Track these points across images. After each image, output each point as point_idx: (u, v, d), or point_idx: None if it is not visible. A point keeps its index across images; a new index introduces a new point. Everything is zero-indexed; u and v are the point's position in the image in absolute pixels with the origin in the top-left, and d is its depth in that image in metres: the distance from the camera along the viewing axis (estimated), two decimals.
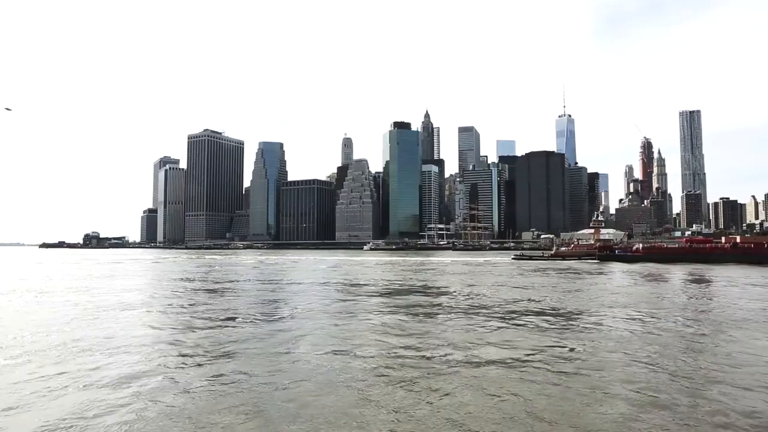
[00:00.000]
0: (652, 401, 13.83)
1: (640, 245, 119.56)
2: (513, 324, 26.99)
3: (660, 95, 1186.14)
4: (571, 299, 38.97)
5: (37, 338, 22.98)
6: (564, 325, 26.54)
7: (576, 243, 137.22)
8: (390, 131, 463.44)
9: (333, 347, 20.99)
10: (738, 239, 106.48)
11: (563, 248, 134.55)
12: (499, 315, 30.28)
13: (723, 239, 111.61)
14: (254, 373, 16.88)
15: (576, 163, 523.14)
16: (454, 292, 45.42)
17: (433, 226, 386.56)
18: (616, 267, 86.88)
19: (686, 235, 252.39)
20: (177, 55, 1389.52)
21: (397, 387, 15.29)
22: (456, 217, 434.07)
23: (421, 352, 20.19)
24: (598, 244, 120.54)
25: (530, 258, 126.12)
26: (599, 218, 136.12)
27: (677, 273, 70.57)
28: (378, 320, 28.62)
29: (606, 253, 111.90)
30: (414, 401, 13.95)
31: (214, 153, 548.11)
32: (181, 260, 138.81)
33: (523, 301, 37.85)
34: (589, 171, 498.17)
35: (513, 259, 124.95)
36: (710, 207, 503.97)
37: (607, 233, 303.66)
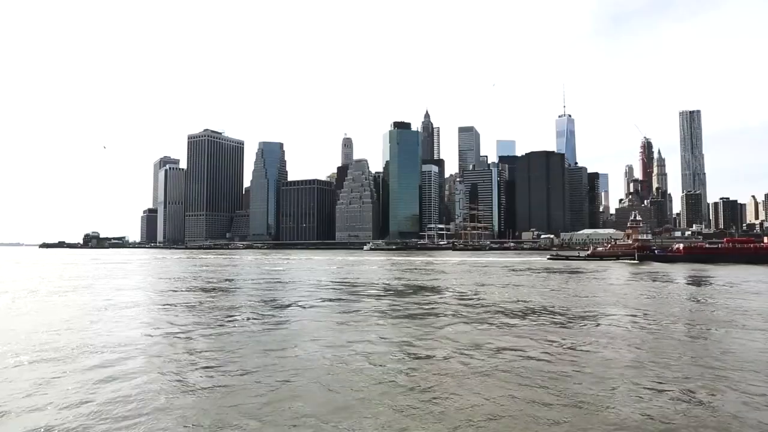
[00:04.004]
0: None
1: (681, 245, 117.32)
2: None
3: (660, 95, 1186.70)
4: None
5: (43, 338, 22.98)
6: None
7: (613, 243, 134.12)
8: (390, 131, 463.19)
9: (332, 346, 21.00)
10: None
11: (600, 248, 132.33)
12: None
13: (765, 239, 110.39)
14: (253, 371, 16.91)
15: (576, 163, 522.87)
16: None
17: (433, 226, 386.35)
18: (660, 267, 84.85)
19: (686, 235, 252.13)
20: (177, 55, 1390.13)
21: (397, 386, 15.32)
22: (456, 217, 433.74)
23: (423, 351, 20.22)
24: (636, 244, 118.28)
25: (566, 258, 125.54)
26: (637, 218, 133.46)
27: (728, 275, 66.25)
28: (384, 321, 28.66)
29: (645, 253, 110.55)
30: (413, 401, 13.97)
31: (214, 153, 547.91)
32: (181, 260, 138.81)
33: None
34: (589, 171, 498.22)
35: (548, 259, 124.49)
36: (710, 207, 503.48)
37: (606, 233, 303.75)
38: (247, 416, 12.76)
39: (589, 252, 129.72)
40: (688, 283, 55.96)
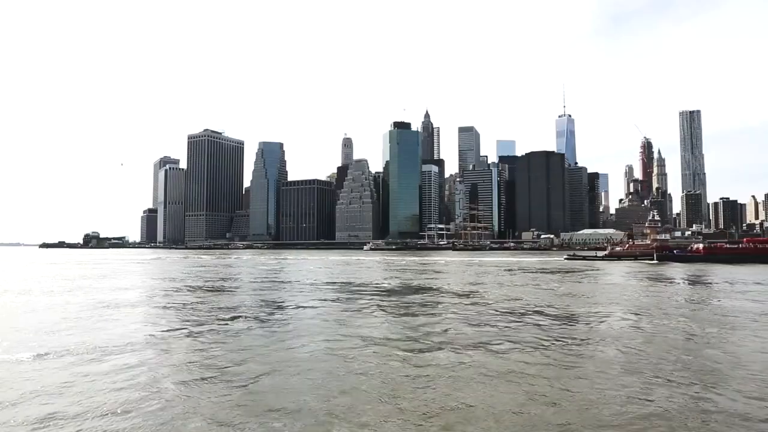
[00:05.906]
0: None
1: (701, 245, 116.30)
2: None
3: (660, 95, 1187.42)
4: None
5: (45, 338, 23.08)
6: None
7: (631, 243, 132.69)
8: (390, 131, 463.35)
9: (330, 345, 21.10)
10: None
11: (618, 248, 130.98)
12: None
13: None
14: (252, 369, 17.01)
15: (576, 163, 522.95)
16: None
17: (433, 226, 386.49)
18: (680, 268, 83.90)
19: (686, 235, 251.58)
20: (177, 55, 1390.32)
21: (395, 386, 15.42)
22: (456, 217, 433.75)
23: (422, 352, 20.28)
24: (655, 244, 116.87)
25: (584, 258, 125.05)
26: (655, 218, 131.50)
27: (753, 275, 64.64)
28: (384, 319, 28.72)
29: (664, 253, 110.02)
30: (411, 400, 14.08)
31: (214, 153, 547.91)
32: (181, 260, 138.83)
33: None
34: (589, 171, 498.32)
35: (566, 259, 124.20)
36: (710, 207, 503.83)
37: (607, 233, 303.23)
38: (245, 415, 12.87)
39: (606, 252, 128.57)
40: (713, 284, 54.57)
